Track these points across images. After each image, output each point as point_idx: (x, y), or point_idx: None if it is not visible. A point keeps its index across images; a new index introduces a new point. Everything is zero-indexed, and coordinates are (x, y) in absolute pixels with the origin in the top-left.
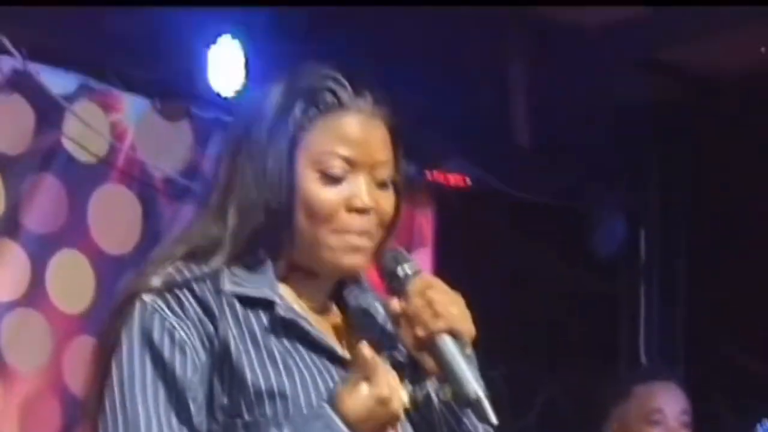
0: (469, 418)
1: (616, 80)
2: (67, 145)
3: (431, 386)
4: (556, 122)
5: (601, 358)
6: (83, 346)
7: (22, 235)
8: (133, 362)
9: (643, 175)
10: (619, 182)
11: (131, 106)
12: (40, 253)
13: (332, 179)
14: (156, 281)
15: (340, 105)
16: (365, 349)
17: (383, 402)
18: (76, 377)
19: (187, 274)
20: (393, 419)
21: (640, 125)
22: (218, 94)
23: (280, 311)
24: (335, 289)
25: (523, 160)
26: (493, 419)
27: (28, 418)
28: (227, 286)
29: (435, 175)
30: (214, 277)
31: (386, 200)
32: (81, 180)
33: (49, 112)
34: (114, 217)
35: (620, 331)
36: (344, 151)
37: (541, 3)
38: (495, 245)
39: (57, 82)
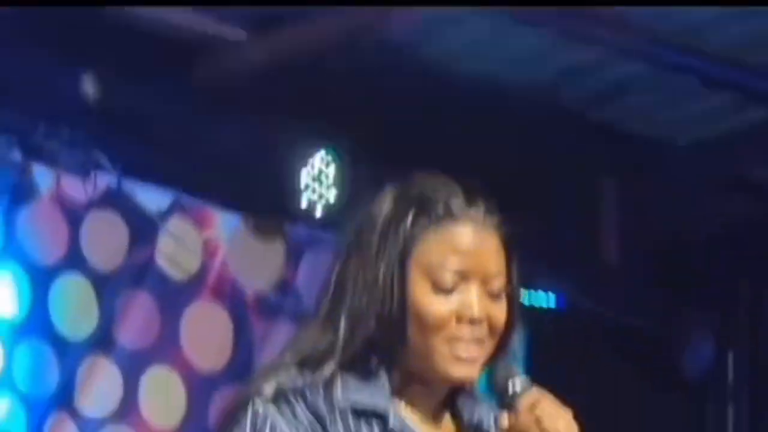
0: None
1: (705, 199)
2: (160, 261)
3: None
4: (645, 241)
5: None
6: None
7: (115, 351)
8: None
9: (733, 295)
10: (707, 303)
11: (223, 223)
12: (133, 369)
13: (447, 291)
14: (268, 388)
15: (452, 215)
16: None
17: None
18: None
19: (299, 381)
20: None
21: (730, 244)
22: (311, 211)
23: (392, 424)
24: (449, 398)
25: (612, 279)
26: None
27: None
28: (340, 394)
29: (525, 295)
30: (327, 385)
31: (498, 310)
32: (173, 297)
33: (142, 228)
34: (206, 334)
35: None
36: (456, 264)
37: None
38: (585, 367)
39: (151, 198)
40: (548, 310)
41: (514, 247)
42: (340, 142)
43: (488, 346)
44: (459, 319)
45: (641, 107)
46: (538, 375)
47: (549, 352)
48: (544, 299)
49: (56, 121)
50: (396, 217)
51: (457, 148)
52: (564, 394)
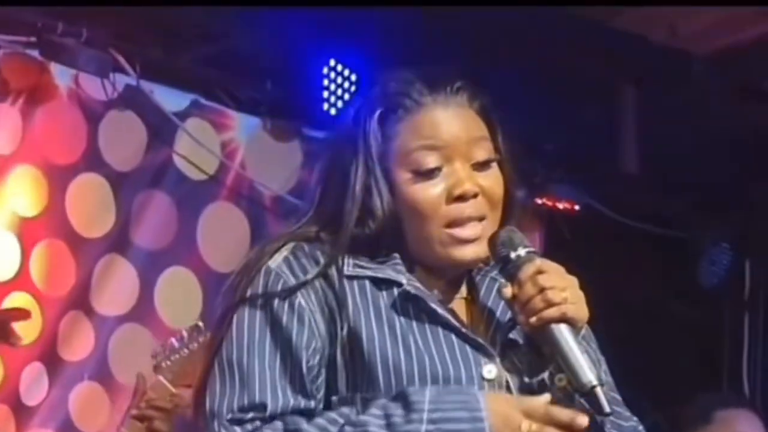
0: (585, 406)
1: (725, 109)
2: (178, 162)
3: (546, 373)
4: (664, 150)
5: (704, 387)
6: None
7: (132, 251)
8: (254, 324)
9: (750, 205)
10: (725, 212)
11: (242, 125)
12: (150, 269)
13: (427, 175)
14: (283, 250)
15: (417, 103)
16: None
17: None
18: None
19: (314, 249)
20: None
21: (748, 155)
22: (329, 114)
23: (408, 287)
24: (461, 277)
25: (631, 187)
26: (606, 409)
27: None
28: (350, 270)
29: (544, 200)
30: (338, 262)
31: (491, 180)
32: (191, 197)
33: (161, 129)
34: (223, 234)
35: (723, 360)
36: (432, 144)
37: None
38: (602, 271)
39: (169, 99)
40: (567, 216)
41: (493, 117)
42: (358, 46)
43: (492, 220)
44: (449, 198)
45: (662, 16)
46: None
47: (566, 258)
48: (562, 205)
49: (75, 20)
50: (363, 121)
51: (473, 58)
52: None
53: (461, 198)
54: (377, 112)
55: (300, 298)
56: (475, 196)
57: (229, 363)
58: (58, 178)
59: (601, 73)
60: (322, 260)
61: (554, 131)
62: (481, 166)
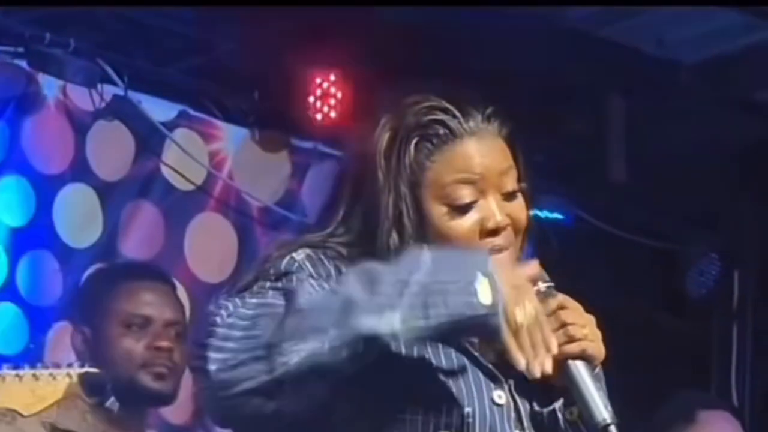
0: None
1: (713, 119)
2: (166, 172)
3: (558, 404)
4: (652, 160)
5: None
6: None
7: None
8: (265, 290)
9: (739, 215)
10: (714, 222)
11: (230, 136)
12: None
13: (463, 210)
14: (306, 248)
15: (452, 134)
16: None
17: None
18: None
19: (332, 259)
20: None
21: (737, 165)
22: (317, 125)
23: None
24: None
25: (620, 197)
26: None
27: None
28: None
29: (533, 211)
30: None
31: (517, 209)
32: (178, 207)
33: (149, 139)
34: (210, 245)
35: (712, 372)
36: (467, 178)
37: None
38: (589, 282)
39: (157, 110)
40: (555, 227)
41: (517, 144)
42: (348, 56)
43: (515, 249)
44: (482, 231)
45: (650, 25)
46: None
47: (554, 268)
48: (551, 216)
49: (63, 30)
50: (398, 149)
51: (462, 66)
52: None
53: (494, 232)
54: (413, 141)
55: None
56: (505, 227)
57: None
58: (45, 188)
59: (589, 82)
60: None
61: (542, 142)
62: (510, 195)
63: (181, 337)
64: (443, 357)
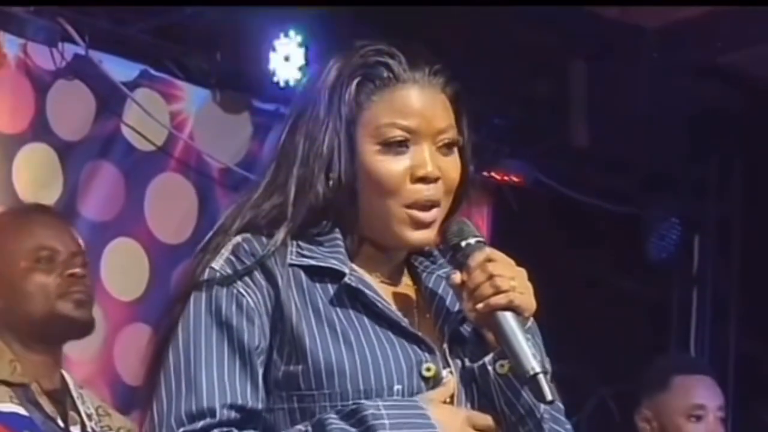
0: (530, 394)
1: (676, 84)
2: (127, 132)
3: (488, 358)
4: (614, 125)
5: (651, 362)
6: (136, 334)
7: (78, 222)
8: (199, 327)
9: (699, 180)
10: (674, 187)
11: (192, 96)
12: (96, 240)
13: (394, 150)
14: (224, 251)
15: (396, 78)
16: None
17: None
18: (128, 364)
19: (255, 244)
20: None
21: (698, 131)
22: (278, 86)
23: (348, 280)
24: (406, 261)
25: (581, 161)
26: (549, 396)
27: None
28: (293, 258)
29: (492, 174)
30: (281, 249)
31: (451, 165)
32: (139, 168)
33: (109, 99)
34: (170, 206)
35: (671, 336)
36: (403, 121)
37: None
38: (549, 246)
39: (118, 69)
40: (516, 191)
41: (462, 103)
42: (308, 18)
43: (444, 207)
44: (413, 178)
45: None
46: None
47: (513, 230)
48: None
49: None
50: (340, 86)
51: (425, 29)
52: (528, 272)
53: (423, 179)
54: (356, 80)
55: (247, 297)
56: (435, 180)
57: (176, 368)
58: (5, 147)
59: (552, 47)
60: (263, 259)
61: (504, 105)
62: (445, 150)
63: (87, 267)
64: (371, 331)
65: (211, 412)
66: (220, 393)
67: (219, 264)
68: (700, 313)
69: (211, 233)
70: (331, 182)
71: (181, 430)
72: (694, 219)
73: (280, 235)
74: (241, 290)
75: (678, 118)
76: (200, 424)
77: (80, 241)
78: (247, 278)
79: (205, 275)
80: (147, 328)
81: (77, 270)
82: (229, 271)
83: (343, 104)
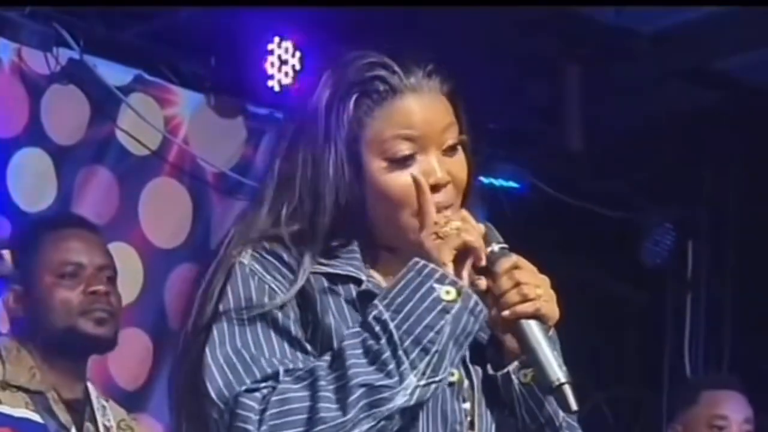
0: (551, 404)
1: (670, 89)
2: (121, 137)
3: (511, 367)
4: (608, 129)
5: (645, 368)
6: (130, 338)
7: None
8: (232, 320)
9: (693, 185)
10: (669, 192)
11: (186, 101)
12: None
13: (401, 163)
14: (253, 246)
15: (393, 90)
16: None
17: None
18: (123, 368)
19: (278, 247)
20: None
21: (692, 136)
22: (273, 91)
23: (366, 286)
24: None
25: (575, 166)
26: (574, 406)
27: None
28: (308, 264)
29: (487, 178)
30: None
31: (458, 165)
32: (133, 172)
33: (104, 103)
34: (165, 210)
35: (666, 341)
36: (407, 132)
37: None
38: (543, 250)
39: (113, 74)
40: (510, 195)
41: (460, 98)
42: (303, 24)
43: (456, 206)
44: None
45: None
46: None
47: (507, 235)
48: (506, 184)
49: None
50: (337, 105)
51: (420, 33)
52: None
53: (434, 187)
54: (352, 98)
55: (278, 292)
56: (446, 185)
57: (226, 356)
58: None
59: (546, 51)
60: (286, 258)
61: (498, 109)
62: (451, 151)
63: (114, 282)
64: None
65: (275, 376)
66: (280, 358)
67: (248, 260)
68: (695, 318)
69: (234, 236)
70: (341, 203)
71: (244, 387)
72: (688, 224)
73: (306, 261)
74: (272, 285)
75: (672, 123)
76: (263, 384)
77: (109, 253)
78: (276, 273)
79: (236, 269)
80: (141, 333)
81: (100, 287)
82: (258, 267)
83: (342, 126)
